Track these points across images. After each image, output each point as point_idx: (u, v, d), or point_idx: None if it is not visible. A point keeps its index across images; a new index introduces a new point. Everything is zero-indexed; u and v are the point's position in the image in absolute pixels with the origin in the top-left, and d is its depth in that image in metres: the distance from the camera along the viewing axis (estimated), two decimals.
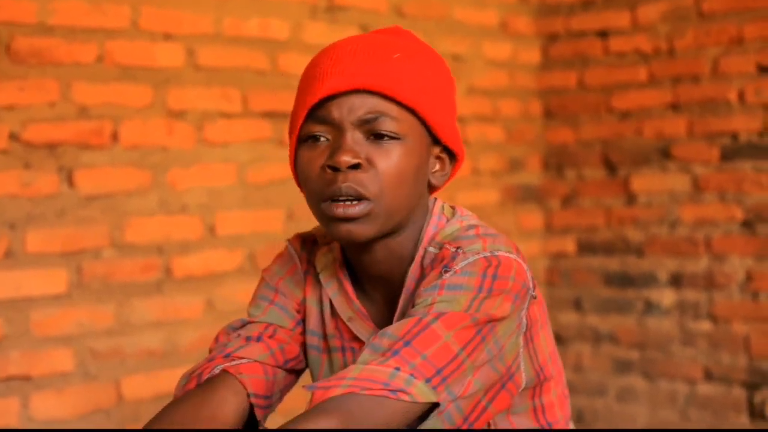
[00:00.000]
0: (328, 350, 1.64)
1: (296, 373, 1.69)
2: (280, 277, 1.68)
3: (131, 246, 3.01)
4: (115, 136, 2.98)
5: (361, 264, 1.58)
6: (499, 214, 4.10)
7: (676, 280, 3.92)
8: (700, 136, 3.85)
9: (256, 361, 1.58)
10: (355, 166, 1.45)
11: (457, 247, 1.47)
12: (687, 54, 3.87)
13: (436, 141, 1.53)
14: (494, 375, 1.45)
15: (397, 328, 1.38)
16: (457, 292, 1.40)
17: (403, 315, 1.52)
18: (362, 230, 1.47)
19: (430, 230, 1.55)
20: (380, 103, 1.46)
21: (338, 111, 1.46)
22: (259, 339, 1.61)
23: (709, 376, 3.83)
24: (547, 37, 4.27)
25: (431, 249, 1.53)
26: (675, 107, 3.92)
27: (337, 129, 1.47)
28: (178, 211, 3.11)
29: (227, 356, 1.58)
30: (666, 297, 3.94)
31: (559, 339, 4.20)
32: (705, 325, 3.84)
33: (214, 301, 3.17)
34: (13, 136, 2.78)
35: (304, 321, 1.67)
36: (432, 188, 1.56)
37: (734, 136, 3.77)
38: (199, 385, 1.55)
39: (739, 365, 3.75)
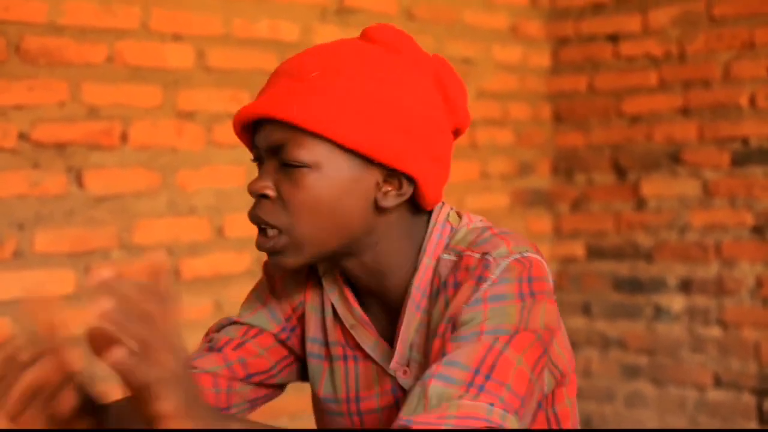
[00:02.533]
0: (330, 358, 1.59)
1: (277, 387, 1.64)
2: (280, 276, 1.62)
3: (140, 247, 3.00)
4: (124, 137, 2.97)
5: (348, 276, 1.53)
6: (508, 218, 4.09)
7: (686, 286, 3.90)
8: (711, 141, 3.84)
9: (207, 372, 1.54)
10: (264, 196, 1.42)
11: (483, 253, 1.40)
12: (698, 58, 3.86)
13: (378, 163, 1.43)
14: (540, 393, 1.44)
15: (466, 356, 1.32)
16: (503, 303, 1.36)
17: (411, 326, 1.48)
18: (285, 261, 1.44)
19: (434, 239, 1.48)
20: (286, 132, 1.39)
21: (257, 138, 1.44)
22: (220, 349, 1.57)
23: (718, 382, 3.82)
24: (557, 41, 4.26)
25: (446, 257, 1.46)
26: (685, 112, 3.91)
27: (260, 155, 1.45)
28: (186, 212, 3.11)
29: None
30: (675, 302, 3.93)
31: None
32: (715, 331, 3.83)
33: (222, 303, 3.16)
34: (23, 136, 2.77)
35: (302, 327, 1.62)
36: (385, 209, 1.45)
37: (745, 141, 3.76)
38: None
39: (748, 371, 3.74)
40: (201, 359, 1.55)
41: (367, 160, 1.41)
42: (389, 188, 1.44)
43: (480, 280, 1.38)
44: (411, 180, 1.44)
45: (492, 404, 1.28)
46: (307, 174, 1.40)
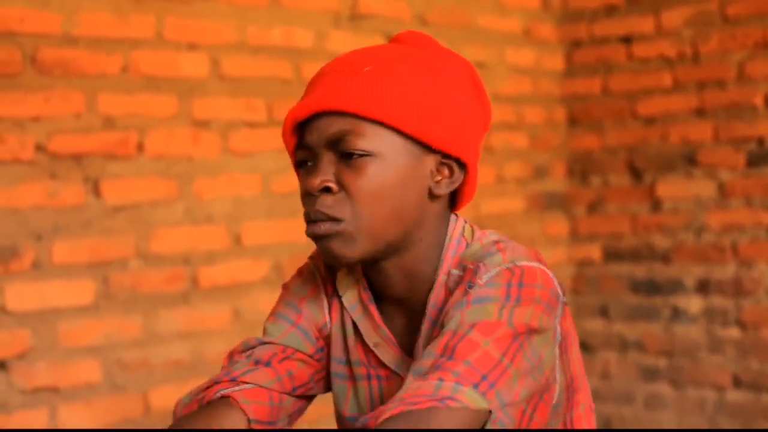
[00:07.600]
0: (353, 378, 1.61)
1: (308, 399, 1.65)
2: (302, 297, 1.63)
3: (157, 256, 3.01)
4: (140, 147, 2.98)
5: (379, 285, 1.55)
6: (524, 222, 4.08)
7: (704, 287, 3.89)
8: (726, 141, 3.83)
9: (261, 387, 1.55)
10: (326, 189, 1.44)
11: (479, 263, 1.44)
12: (712, 59, 3.85)
13: (433, 150, 1.48)
14: (535, 384, 1.42)
15: (433, 346, 1.35)
16: (485, 304, 1.38)
17: (428, 341, 1.50)
18: (339, 249, 1.45)
19: (449, 254, 1.51)
20: (346, 122, 1.43)
21: (310, 135, 1.46)
22: (268, 364, 1.58)
23: (737, 382, 3.81)
24: (570, 43, 4.25)
25: (455, 271, 1.50)
26: (700, 113, 3.90)
27: (314, 153, 1.46)
28: (203, 221, 3.11)
29: (233, 380, 1.56)
30: (693, 304, 3.92)
31: (586, 347, 4.18)
32: (733, 332, 3.82)
33: (240, 311, 3.16)
34: (39, 148, 2.78)
35: (328, 346, 1.63)
36: (436, 197, 1.50)
37: (760, 142, 3.75)
38: (201, 409, 1.53)
39: None
40: (252, 374, 1.56)
41: (424, 147, 1.47)
42: (441, 177, 1.50)
43: (469, 285, 1.42)
44: (462, 166, 1.50)
45: (441, 379, 1.30)
46: (369, 162, 1.44)
